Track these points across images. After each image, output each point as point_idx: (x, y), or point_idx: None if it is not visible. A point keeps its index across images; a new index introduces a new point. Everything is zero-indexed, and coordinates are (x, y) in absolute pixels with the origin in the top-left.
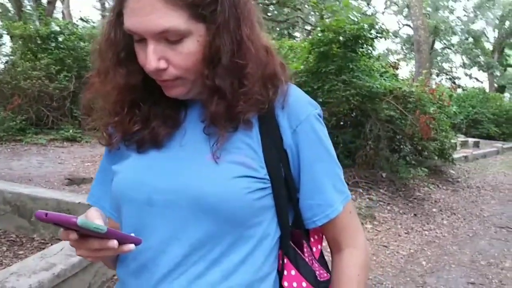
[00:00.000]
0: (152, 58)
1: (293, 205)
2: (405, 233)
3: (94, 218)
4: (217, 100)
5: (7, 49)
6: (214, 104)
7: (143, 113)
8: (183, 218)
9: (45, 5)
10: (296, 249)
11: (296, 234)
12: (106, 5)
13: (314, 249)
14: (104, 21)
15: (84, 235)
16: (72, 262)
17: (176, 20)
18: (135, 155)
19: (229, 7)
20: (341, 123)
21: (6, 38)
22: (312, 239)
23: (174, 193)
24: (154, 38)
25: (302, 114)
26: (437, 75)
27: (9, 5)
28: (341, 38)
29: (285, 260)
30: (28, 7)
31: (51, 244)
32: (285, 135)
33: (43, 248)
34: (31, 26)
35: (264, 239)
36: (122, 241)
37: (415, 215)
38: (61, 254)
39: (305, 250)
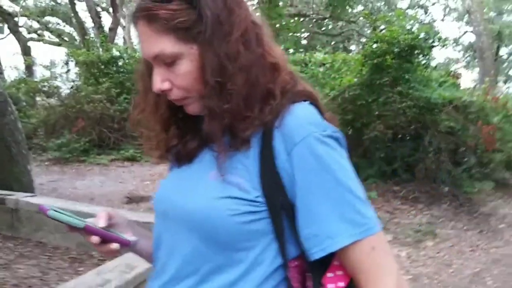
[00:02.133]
0: (155, 79)
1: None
2: (470, 250)
3: (99, 218)
4: (207, 119)
5: (72, 75)
6: (206, 122)
7: (180, 129)
8: (181, 232)
9: (107, 32)
10: (293, 281)
11: (303, 265)
12: None
13: (331, 285)
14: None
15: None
16: (127, 278)
17: (163, 44)
18: (174, 170)
19: (212, 26)
20: (399, 136)
21: (72, 65)
22: (330, 274)
23: (178, 208)
24: (155, 62)
25: (298, 136)
26: (505, 83)
27: (75, 34)
28: (395, 48)
29: None
30: (92, 35)
31: (109, 261)
32: (279, 157)
33: (101, 265)
34: (93, 53)
35: (257, 265)
36: (108, 239)
37: (480, 231)
38: (117, 271)
39: (307, 285)
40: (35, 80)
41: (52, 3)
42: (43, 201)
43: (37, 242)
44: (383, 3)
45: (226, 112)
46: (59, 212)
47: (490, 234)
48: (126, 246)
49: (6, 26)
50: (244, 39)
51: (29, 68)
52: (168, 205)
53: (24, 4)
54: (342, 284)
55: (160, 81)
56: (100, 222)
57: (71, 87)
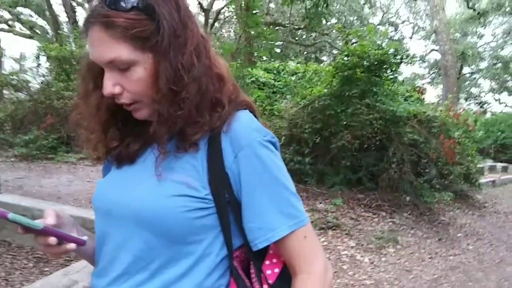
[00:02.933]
0: (107, 84)
1: (242, 227)
2: (429, 258)
3: (47, 216)
4: (155, 123)
5: (43, 69)
6: (153, 126)
7: (120, 131)
8: (130, 229)
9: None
10: (238, 270)
11: (242, 255)
12: None
13: (268, 272)
14: (85, 52)
15: (38, 232)
16: None
17: (120, 51)
18: (114, 170)
19: (168, 38)
20: (365, 146)
21: (43, 59)
22: (268, 262)
23: (123, 206)
24: (108, 67)
25: (243, 140)
26: (466, 100)
27: (48, 27)
28: (365, 62)
29: (231, 279)
30: (65, 29)
31: (76, 262)
32: (227, 158)
33: (68, 265)
34: (66, 48)
35: (206, 256)
36: (64, 240)
37: (439, 239)
38: (84, 272)
39: (251, 271)
40: (4, 72)
41: None
42: (9, 198)
43: (1, 241)
44: (355, 17)
45: (179, 118)
46: (19, 215)
47: (448, 243)
48: (81, 245)
49: None
50: (196, 51)
51: None
52: (112, 204)
53: None
54: (277, 270)
55: (111, 85)
56: (49, 220)
57: (42, 82)
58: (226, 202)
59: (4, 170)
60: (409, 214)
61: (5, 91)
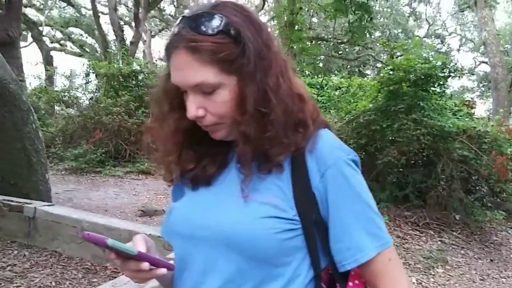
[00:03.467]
0: (191, 107)
1: (328, 248)
2: (480, 279)
3: (138, 243)
4: (242, 144)
5: (92, 86)
6: (240, 147)
7: (196, 153)
8: (217, 252)
9: (128, 45)
10: None
11: (329, 276)
12: None
13: None
14: (160, 75)
15: (127, 257)
16: None
17: (207, 74)
18: (189, 193)
19: (254, 60)
20: (412, 162)
21: (92, 77)
22: (351, 283)
23: (209, 229)
24: (192, 90)
25: (329, 159)
26: None
27: (97, 46)
28: (411, 76)
29: None
30: (113, 48)
31: (122, 274)
32: (313, 178)
33: (115, 277)
34: (114, 65)
35: (295, 278)
36: (156, 265)
37: (491, 260)
38: (131, 284)
39: None
40: (56, 89)
41: (77, 14)
42: (61, 211)
43: (53, 251)
44: (400, 30)
45: (266, 139)
46: (116, 240)
47: (501, 264)
48: (171, 270)
49: (29, 34)
50: (281, 73)
51: (49, 77)
52: (195, 227)
53: (49, 14)
54: None
55: (195, 109)
56: (140, 247)
57: (91, 98)
58: (313, 222)
59: (55, 183)
60: (459, 233)
61: (56, 107)
